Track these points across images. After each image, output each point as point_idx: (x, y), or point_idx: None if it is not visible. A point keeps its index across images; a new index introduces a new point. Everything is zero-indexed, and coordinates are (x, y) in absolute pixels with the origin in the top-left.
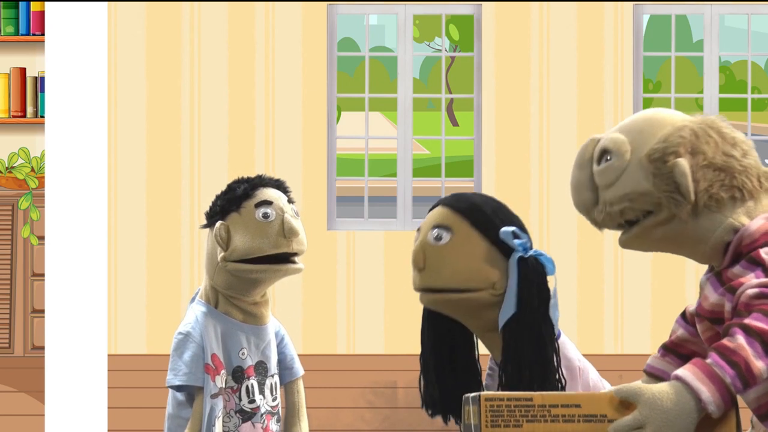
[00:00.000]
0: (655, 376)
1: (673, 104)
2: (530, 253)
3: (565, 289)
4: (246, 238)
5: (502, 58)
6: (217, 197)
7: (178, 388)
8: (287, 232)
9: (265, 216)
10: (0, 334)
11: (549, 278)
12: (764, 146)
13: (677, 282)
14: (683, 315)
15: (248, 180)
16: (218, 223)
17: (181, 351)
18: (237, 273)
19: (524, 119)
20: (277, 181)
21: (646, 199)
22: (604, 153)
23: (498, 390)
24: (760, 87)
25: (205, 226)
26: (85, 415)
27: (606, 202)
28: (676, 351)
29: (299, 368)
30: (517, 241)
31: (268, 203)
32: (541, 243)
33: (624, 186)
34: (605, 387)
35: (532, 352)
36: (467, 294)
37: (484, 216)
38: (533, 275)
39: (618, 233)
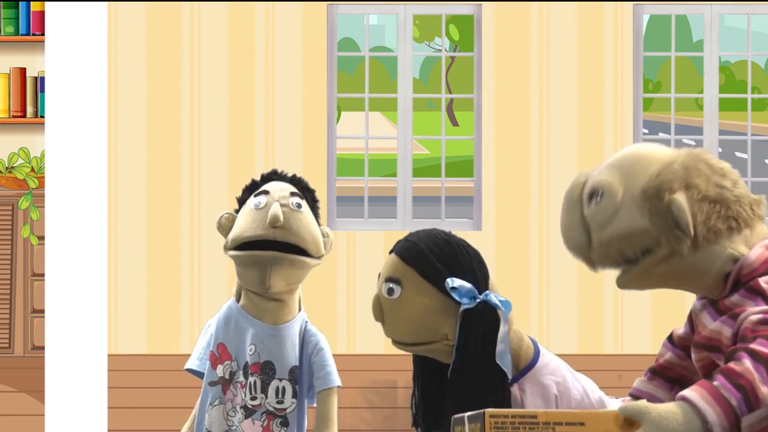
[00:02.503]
0: (641, 399)
1: (673, 104)
2: (479, 298)
3: (565, 289)
4: (239, 224)
5: (502, 58)
6: None
7: (191, 372)
8: (269, 219)
9: (258, 204)
10: (0, 334)
11: (500, 313)
12: (764, 146)
13: None
14: (670, 338)
15: (264, 174)
16: (223, 213)
17: (200, 339)
18: (234, 260)
19: (524, 119)
20: (294, 176)
21: (644, 237)
22: (594, 194)
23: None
24: (760, 87)
25: None
26: (85, 415)
27: (602, 243)
28: (664, 374)
29: (334, 379)
30: (460, 294)
31: (264, 192)
32: (541, 243)
33: (620, 226)
34: (593, 404)
35: (471, 402)
36: (425, 346)
37: (431, 266)
38: (477, 324)
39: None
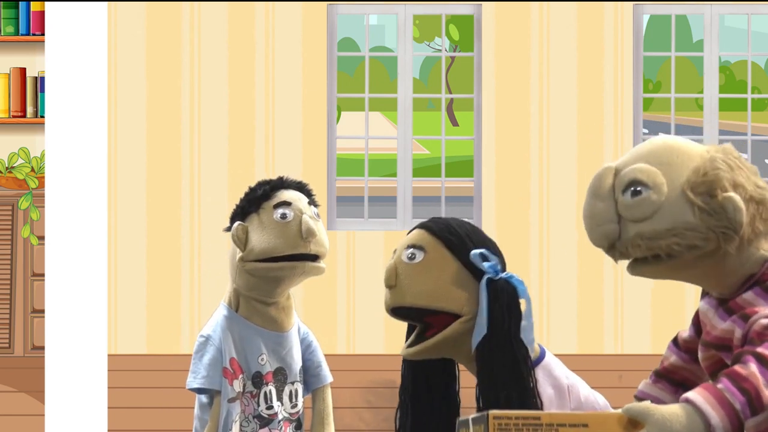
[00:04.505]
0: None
1: (673, 104)
2: (501, 275)
3: (565, 289)
4: (263, 238)
5: (502, 58)
6: (240, 199)
7: (198, 391)
8: (305, 233)
9: (283, 216)
10: (0, 334)
11: (521, 301)
12: (764, 146)
13: (677, 282)
14: (675, 342)
15: (269, 182)
16: (236, 224)
17: (201, 354)
18: (255, 272)
19: (524, 119)
20: (300, 183)
21: (692, 234)
22: (634, 184)
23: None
24: (760, 87)
25: (227, 229)
26: (85, 415)
27: (643, 236)
28: (669, 377)
29: (327, 375)
30: (486, 264)
31: (286, 204)
32: (541, 243)
33: (665, 220)
34: (598, 401)
35: (506, 372)
36: (442, 334)
37: (458, 238)
38: (503, 296)
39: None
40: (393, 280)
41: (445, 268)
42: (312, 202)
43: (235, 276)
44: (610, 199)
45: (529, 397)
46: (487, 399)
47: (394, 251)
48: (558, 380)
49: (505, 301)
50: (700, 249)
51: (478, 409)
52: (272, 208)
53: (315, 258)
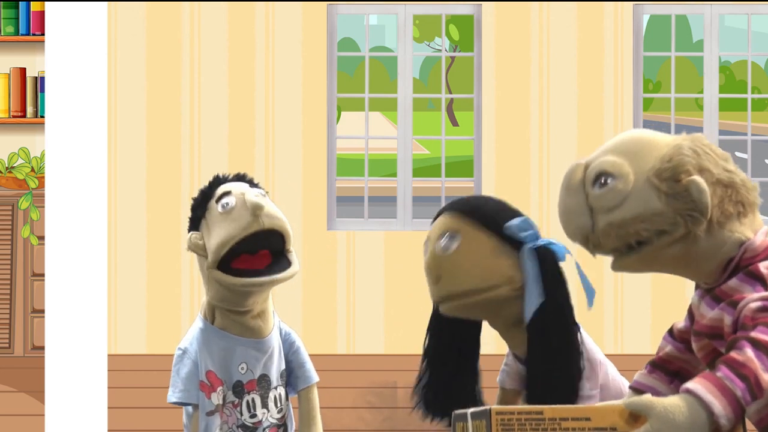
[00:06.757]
0: (642, 392)
1: (673, 104)
2: (539, 242)
3: None
4: (215, 233)
5: (502, 58)
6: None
7: (177, 404)
8: (251, 208)
9: (226, 205)
10: (0, 334)
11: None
12: (764, 146)
13: (677, 282)
14: (671, 332)
15: (207, 184)
16: (189, 234)
17: (178, 368)
18: (224, 284)
19: (524, 119)
20: (237, 175)
21: (660, 219)
22: (602, 175)
23: (525, 382)
24: (760, 87)
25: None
26: (85, 415)
27: (613, 225)
28: (664, 367)
29: (312, 375)
30: (523, 234)
31: (227, 194)
32: None
33: (633, 207)
34: (624, 383)
35: (563, 339)
36: (487, 294)
37: (487, 214)
38: (548, 264)
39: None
40: (435, 274)
41: (483, 246)
42: (255, 185)
43: (208, 287)
44: (581, 193)
45: (580, 366)
46: (540, 367)
47: (425, 242)
48: (592, 353)
49: (550, 267)
50: (669, 234)
51: (528, 379)
52: (215, 203)
53: (279, 253)
